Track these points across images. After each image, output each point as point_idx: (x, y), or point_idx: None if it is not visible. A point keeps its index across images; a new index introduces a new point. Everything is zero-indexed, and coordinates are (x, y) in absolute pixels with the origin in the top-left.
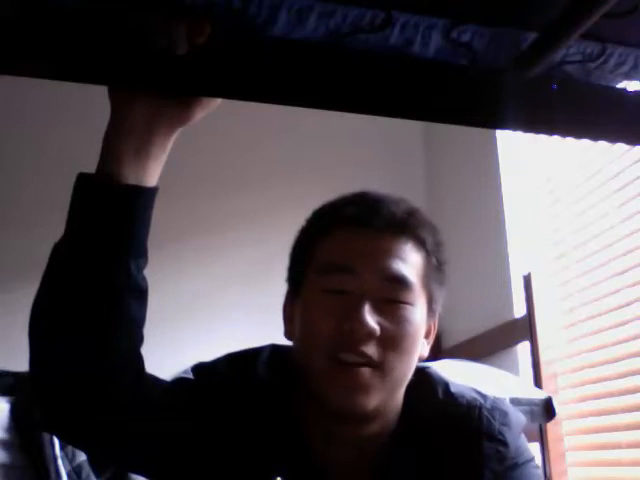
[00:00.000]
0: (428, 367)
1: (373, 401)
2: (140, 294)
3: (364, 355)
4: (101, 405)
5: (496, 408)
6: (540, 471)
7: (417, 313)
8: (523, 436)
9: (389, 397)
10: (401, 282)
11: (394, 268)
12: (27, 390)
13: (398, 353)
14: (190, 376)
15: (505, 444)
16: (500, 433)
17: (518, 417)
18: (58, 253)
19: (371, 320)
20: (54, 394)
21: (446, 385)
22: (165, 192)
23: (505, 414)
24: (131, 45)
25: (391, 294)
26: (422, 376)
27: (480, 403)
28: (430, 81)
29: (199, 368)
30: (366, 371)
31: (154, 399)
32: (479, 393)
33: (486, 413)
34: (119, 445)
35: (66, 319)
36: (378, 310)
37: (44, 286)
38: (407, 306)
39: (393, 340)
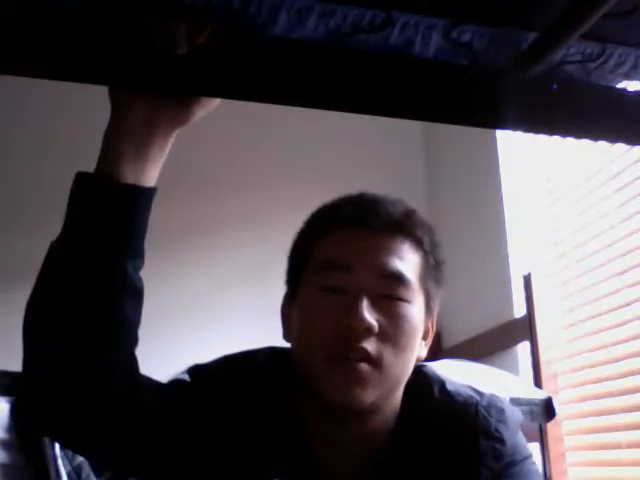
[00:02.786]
0: (424, 366)
1: (371, 396)
2: (136, 294)
3: (362, 351)
4: (96, 403)
5: (492, 405)
6: (538, 468)
7: (414, 311)
8: (521, 433)
9: (387, 394)
10: (398, 279)
11: (391, 265)
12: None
13: (395, 350)
14: (186, 377)
15: (502, 441)
16: (497, 430)
17: (515, 414)
18: (55, 251)
19: (369, 316)
20: (49, 393)
21: (442, 383)
22: (165, 192)
23: (501, 411)
24: (131, 45)
25: (388, 290)
26: (418, 375)
27: (476, 400)
28: (430, 81)
29: (195, 369)
30: (364, 366)
31: (149, 399)
32: (475, 391)
33: (482, 410)
34: (115, 445)
35: (61, 317)
36: (376, 307)
37: (40, 284)
38: (404, 303)
39: (391, 337)
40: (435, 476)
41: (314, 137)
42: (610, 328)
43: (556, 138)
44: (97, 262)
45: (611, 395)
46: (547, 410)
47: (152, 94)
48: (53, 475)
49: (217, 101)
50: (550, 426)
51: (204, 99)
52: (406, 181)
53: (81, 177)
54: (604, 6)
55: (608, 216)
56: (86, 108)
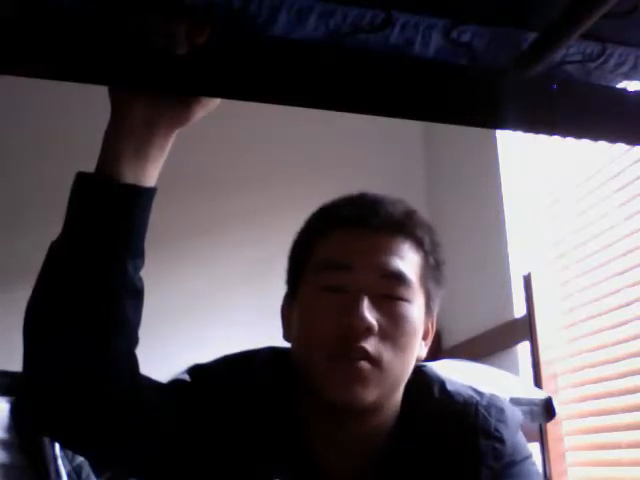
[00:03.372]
0: (424, 366)
1: (371, 395)
2: (136, 294)
3: (363, 350)
4: (96, 403)
5: (492, 405)
6: (538, 468)
7: (415, 311)
8: (521, 433)
9: (387, 394)
10: (399, 278)
11: (392, 264)
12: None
13: (396, 350)
14: (186, 377)
15: (502, 441)
16: (496, 430)
17: (515, 414)
18: (55, 251)
19: (369, 316)
20: (49, 393)
21: (442, 383)
22: (165, 192)
23: (501, 411)
24: (131, 45)
25: (389, 290)
26: (418, 375)
27: (476, 400)
28: (430, 81)
29: (195, 369)
30: (365, 365)
31: (149, 399)
32: (475, 390)
33: (482, 410)
34: (115, 445)
35: (61, 317)
36: (376, 306)
37: (40, 284)
38: (405, 303)
39: (391, 336)
40: (435, 476)
41: (314, 137)
42: (610, 328)
43: (556, 138)
44: (97, 262)
45: (611, 395)
46: (547, 410)
47: (152, 94)
48: (53, 475)
49: (217, 101)
50: (550, 426)
51: (204, 99)
52: (406, 181)
53: (81, 177)
54: (604, 6)
55: (608, 216)
56: (86, 108)
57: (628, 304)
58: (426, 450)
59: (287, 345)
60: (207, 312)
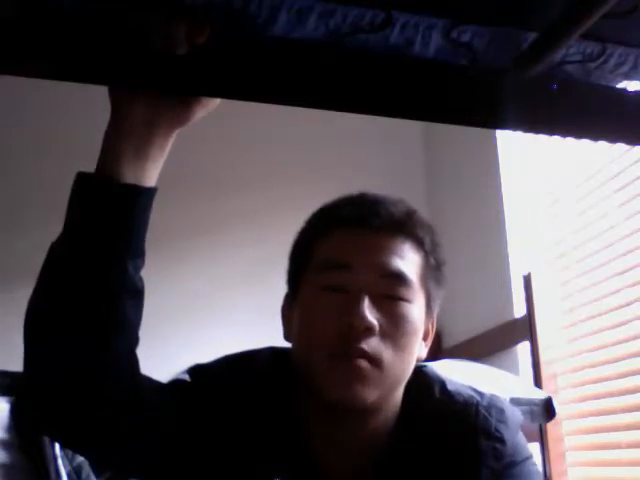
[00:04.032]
0: (424, 366)
1: (371, 394)
2: (137, 294)
3: (363, 350)
4: (96, 403)
5: (493, 405)
6: (538, 469)
7: (415, 311)
8: (521, 433)
9: (387, 394)
10: (399, 278)
11: (392, 264)
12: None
13: (396, 350)
14: (187, 377)
15: (502, 441)
16: (497, 430)
17: (515, 414)
18: (55, 252)
19: (370, 315)
20: (50, 393)
21: (442, 383)
22: (165, 192)
23: (502, 411)
24: (131, 45)
25: (389, 290)
26: (418, 375)
27: (477, 400)
28: (430, 81)
29: (196, 369)
30: (365, 364)
31: (149, 399)
32: (476, 391)
33: (483, 410)
34: (115, 445)
35: (62, 317)
36: (377, 306)
37: (41, 284)
38: (405, 303)
39: (391, 336)
40: (435, 476)
41: (314, 137)
42: (610, 328)
43: (556, 138)
44: (97, 262)
45: (611, 395)
46: (547, 410)
47: (152, 94)
48: (53, 475)
49: (217, 101)
50: (550, 426)
51: (204, 99)
52: (406, 181)
53: (81, 177)
54: (604, 6)
55: (608, 216)
56: (86, 108)
57: (628, 304)
58: (426, 450)
59: (287, 345)
60: (207, 312)
